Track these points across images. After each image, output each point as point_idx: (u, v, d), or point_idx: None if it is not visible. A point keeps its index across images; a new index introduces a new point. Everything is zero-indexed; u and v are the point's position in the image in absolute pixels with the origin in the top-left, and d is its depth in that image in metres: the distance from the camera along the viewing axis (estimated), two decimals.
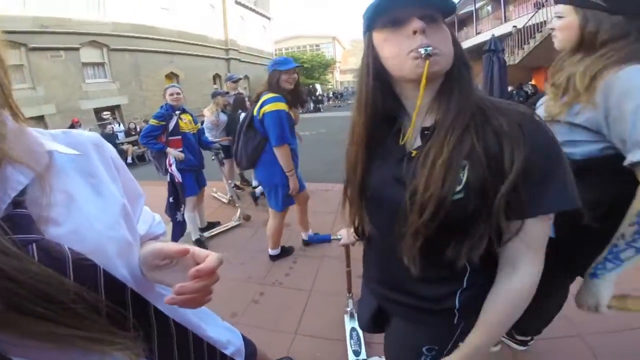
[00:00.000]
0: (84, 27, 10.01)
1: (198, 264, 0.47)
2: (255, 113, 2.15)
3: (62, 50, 9.56)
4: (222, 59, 17.77)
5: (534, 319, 1.33)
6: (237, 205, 3.53)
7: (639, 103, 0.76)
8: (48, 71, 9.29)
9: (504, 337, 1.56)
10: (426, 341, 0.76)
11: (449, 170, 0.55)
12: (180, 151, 2.73)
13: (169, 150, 2.70)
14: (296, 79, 2.19)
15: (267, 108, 2.07)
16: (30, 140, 0.40)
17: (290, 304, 2.08)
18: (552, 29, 1.03)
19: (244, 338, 0.81)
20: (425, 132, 0.61)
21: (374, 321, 0.92)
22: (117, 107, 11.42)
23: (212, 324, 0.69)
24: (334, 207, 3.38)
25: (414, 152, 0.62)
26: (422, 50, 0.53)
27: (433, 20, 0.56)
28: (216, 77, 16.81)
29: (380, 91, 0.63)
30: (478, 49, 7.76)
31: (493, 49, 6.26)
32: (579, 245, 0.97)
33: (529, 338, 1.53)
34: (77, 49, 9.96)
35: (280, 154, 2.12)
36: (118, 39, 11.15)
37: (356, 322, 1.74)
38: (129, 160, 8.24)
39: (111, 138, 8.23)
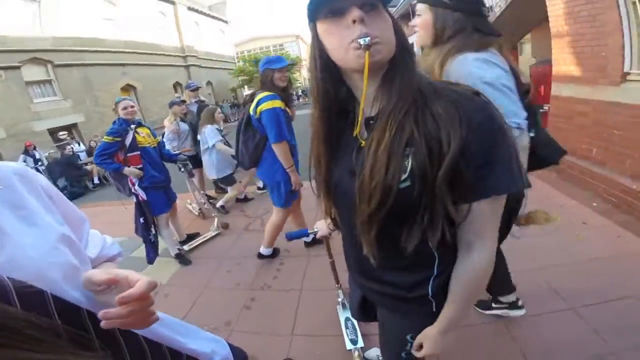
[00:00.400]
0: (22, 43, 9.26)
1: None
2: (251, 112, 2.13)
3: (1, 69, 8.81)
4: (181, 66, 17.14)
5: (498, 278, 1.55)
6: (213, 215, 3.45)
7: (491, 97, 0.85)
8: None
9: (497, 311, 1.67)
10: (408, 329, 0.78)
11: (391, 158, 0.55)
12: (141, 168, 2.53)
13: (126, 170, 2.48)
14: (288, 77, 2.21)
15: (264, 106, 2.05)
16: None
17: (282, 305, 2.07)
18: (414, 26, 1.21)
19: (232, 347, 0.81)
20: (370, 121, 0.61)
21: (363, 309, 0.95)
22: (74, 125, 10.71)
23: (193, 337, 0.69)
24: (311, 204, 3.34)
25: (363, 143, 0.62)
26: (362, 41, 0.52)
27: (373, 8, 0.55)
28: (177, 85, 16.16)
29: (331, 83, 0.62)
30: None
31: None
32: None
33: (514, 297, 1.64)
34: (18, 67, 9.21)
35: (279, 150, 2.11)
36: (62, 54, 10.42)
37: (349, 312, 1.75)
38: (96, 180, 7.72)
39: (73, 159, 7.68)
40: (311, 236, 1.33)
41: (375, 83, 0.59)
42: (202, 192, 3.79)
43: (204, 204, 3.71)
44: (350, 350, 1.59)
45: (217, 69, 20.86)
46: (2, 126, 8.65)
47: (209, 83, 19.55)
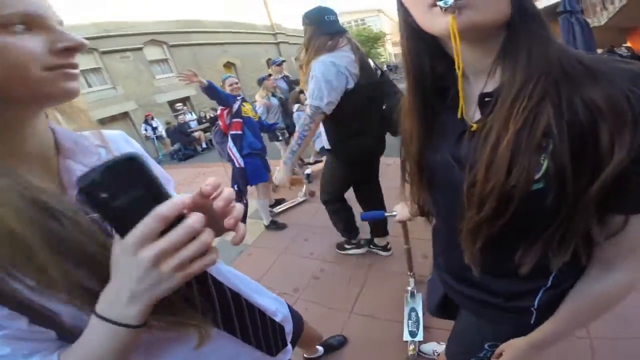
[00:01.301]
0: (142, 27, 10.89)
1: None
2: None
3: (129, 51, 10.55)
4: (272, 43, 17.99)
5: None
6: (303, 181, 3.65)
7: (312, 86, 1.54)
8: (122, 71, 10.38)
9: (372, 248, 2.31)
10: (490, 337, 0.70)
11: (517, 154, 0.43)
12: (241, 135, 2.76)
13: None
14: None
15: None
16: (84, 140, 0.46)
17: (349, 281, 2.11)
18: None
19: (291, 309, 0.85)
20: (486, 99, 0.48)
21: (443, 307, 0.87)
22: (187, 98, 12.42)
23: (261, 294, 0.73)
24: (394, 183, 3.23)
25: (474, 126, 0.49)
26: (441, 3, 0.40)
27: None
28: (269, 62, 17.12)
29: (426, 53, 0.51)
30: (550, 12, 6.71)
31: (569, 9, 5.29)
32: None
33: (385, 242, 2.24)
34: (140, 49, 10.91)
35: None
36: (173, 36, 11.93)
37: (417, 303, 1.69)
38: (203, 145, 9.08)
39: (183, 127, 9.12)
40: (388, 218, 1.28)
41: (489, 54, 0.47)
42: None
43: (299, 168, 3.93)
44: (407, 341, 1.53)
45: None
46: (133, 99, 10.53)
47: (297, 59, 20.14)
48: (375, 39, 23.07)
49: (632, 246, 0.48)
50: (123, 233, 0.33)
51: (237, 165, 2.75)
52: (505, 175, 0.44)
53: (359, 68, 1.61)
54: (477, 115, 0.51)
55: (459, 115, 0.51)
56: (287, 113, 3.94)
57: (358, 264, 2.25)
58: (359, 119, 1.71)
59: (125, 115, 10.24)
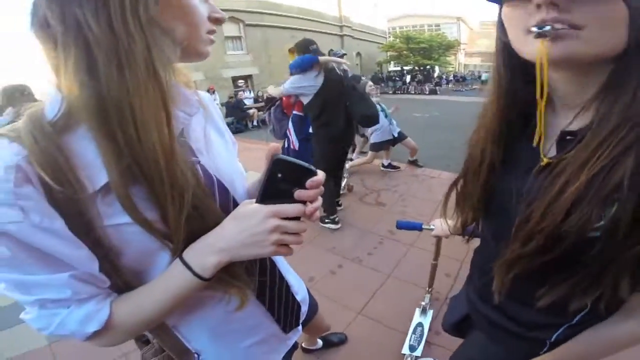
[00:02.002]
0: (225, 3, 11.48)
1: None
2: None
3: None
4: (337, 35, 18.03)
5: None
6: (345, 176, 3.64)
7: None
8: None
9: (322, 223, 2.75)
10: None
11: (581, 201, 0.40)
12: (304, 117, 2.68)
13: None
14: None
15: None
16: (187, 92, 0.50)
17: (364, 283, 2.09)
18: None
19: (309, 292, 0.85)
20: (568, 137, 0.46)
21: (459, 326, 0.86)
22: (250, 76, 13.00)
23: (288, 270, 0.74)
24: (435, 196, 3.17)
25: (545, 161, 0.47)
26: (535, 29, 0.38)
27: None
28: (330, 53, 17.21)
29: (519, 75, 0.49)
30: None
31: None
32: None
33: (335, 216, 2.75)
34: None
35: None
36: (251, 15, 12.47)
37: (426, 319, 1.65)
38: (255, 123, 9.63)
39: (240, 103, 9.71)
40: (424, 231, 1.27)
41: (587, 90, 0.43)
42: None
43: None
44: (404, 354, 1.52)
45: (368, 42, 21.02)
46: (202, 70, 11.23)
47: (358, 54, 19.98)
48: (448, 47, 21.89)
49: None
50: (263, 200, 0.43)
51: (292, 147, 2.73)
52: (562, 218, 0.42)
53: (321, 80, 2.39)
54: (553, 152, 0.48)
55: (534, 144, 0.49)
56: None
57: (377, 268, 2.21)
58: (325, 114, 2.47)
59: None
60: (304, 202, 0.44)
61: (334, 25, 17.79)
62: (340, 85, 2.49)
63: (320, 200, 0.46)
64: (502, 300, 0.57)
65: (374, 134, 3.80)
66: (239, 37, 12.61)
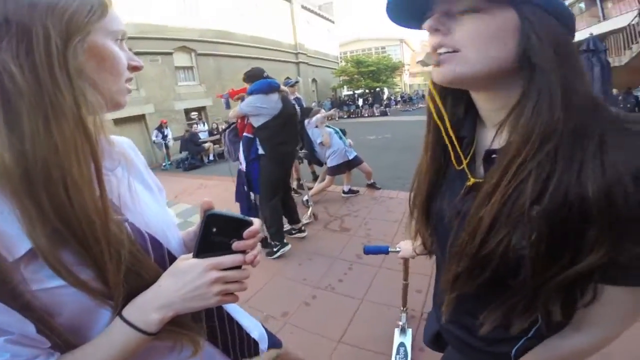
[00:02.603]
0: (176, 33, 11.36)
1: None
2: None
3: (159, 54, 10.93)
4: (292, 62, 18.53)
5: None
6: (309, 204, 3.66)
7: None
8: (148, 74, 10.68)
9: (293, 233, 3.06)
10: None
11: (497, 221, 0.42)
12: (253, 137, 2.73)
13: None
14: None
15: None
16: (106, 144, 0.46)
17: (340, 310, 2.08)
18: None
19: (268, 331, 0.83)
20: (493, 155, 0.47)
21: (436, 341, 0.87)
22: (203, 108, 12.70)
23: (238, 312, 0.72)
24: (395, 216, 3.28)
25: (471, 182, 0.49)
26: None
27: (475, 10, 0.41)
28: (285, 81, 17.59)
29: (449, 98, 0.54)
30: None
31: (592, 49, 5.45)
32: None
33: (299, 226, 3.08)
34: (170, 54, 11.33)
35: None
36: (204, 45, 12.40)
37: (407, 338, 1.67)
38: (211, 157, 9.17)
39: (194, 137, 9.24)
40: (391, 254, 1.30)
41: (506, 104, 0.44)
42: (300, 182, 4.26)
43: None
44: None
45: (322, 68, 21.83)
46: (153, 102, 10.82)
47: (314, 80, 20.68)
48: (393, 68, 23.57)
49: (603, 315, 0.47)
50: (199, 255, 0.44)
51: (242, 169, 2.84)
52: (482, 239, 0.43)
53: (281, 104, 2.61)
54: (481, 171, 0.50)
55: (456, 167, 0.52)
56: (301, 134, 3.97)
57: (350, 294, 2.21)
58: (283, 134, 2.67)
59: (141, 117, 10.49)
60: (243, 252, 0.45)
61: (289, 52, 18.32)
62: (294, 111, 2.88)
63: (259, 247, 0.48)
64: (458, 316, 0.60)
65: (330, 158, 3.87)
66: (191, 67, 12.42)
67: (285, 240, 2.84)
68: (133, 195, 0.49)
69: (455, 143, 0.52)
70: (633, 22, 8.72)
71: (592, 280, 0.42)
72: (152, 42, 10.62)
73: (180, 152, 9.08)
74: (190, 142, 8.97)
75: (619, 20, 10.58)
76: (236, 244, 0.45)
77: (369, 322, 1.94)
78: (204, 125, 10.99)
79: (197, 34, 12.17)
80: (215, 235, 0.44)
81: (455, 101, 0.53)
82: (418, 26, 0.47)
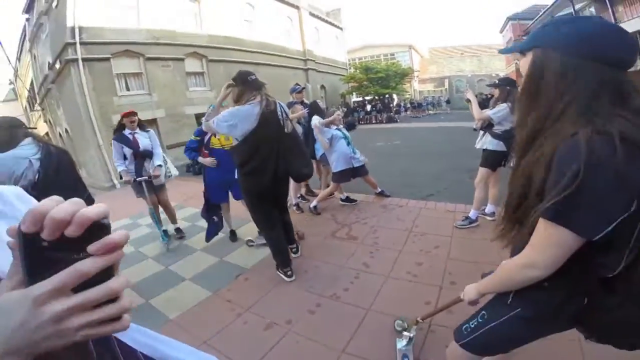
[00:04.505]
0: (186, 39, 11.60)
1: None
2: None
3: (171, 60, 11.20)
4: (301, 69, 18.69)
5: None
6: (317, 211, 3.73)
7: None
8: (160, 79, 10.98)
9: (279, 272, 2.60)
10: (485, 307, 0.98)
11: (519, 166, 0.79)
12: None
13: (200, 159, 3.21)
14: None
15: None
16: None
17: (344, 319, 2.03)
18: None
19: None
20: None
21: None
22: None
23: (176, 347, 0.58)
24: (405, 225, 3.25)
25: None
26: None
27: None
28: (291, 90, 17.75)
29: None
30: None
31: None
32: None
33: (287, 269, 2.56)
34: (182, 60, 11.58)
35: None
36: (214, 51, 12.64)
37: (410, 350, 1.64)
38: None
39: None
40: None
41: None
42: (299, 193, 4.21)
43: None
44: None
45: (331, 74, 21.93)
46: (164, 107, 11.04)
47: (322, 87, 20.78)
48: (403, 74, 23.53)
49: (533, 237, 0.73)
50: (34, 282, 0.29)
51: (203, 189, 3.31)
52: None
53: (259, 115, 2.24)
54: None
55: None
56: (307, 141, 3.91)
57: (356, 303, 2.15)
58: (256, 159, 2.30)
59: (153, 122, 10.73)
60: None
61: (298, 59, 18.50)
62: (275, 128, 2.32)
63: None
64: None
65: (335, 164, 3.74)
66: (202, 73, 12.65)
67: (289, 272, 2.55)
68: None
69: None
70: None
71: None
72: (164, 47, 10.88)
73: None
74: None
75: (630, 24, 10.39)
76: (92, 246, 0.29)
77: (374, 333, 1.88)
78: None
79: (208, 40, 12.40)
80: (49, 250, 0.29)
81: None
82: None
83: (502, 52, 1.07)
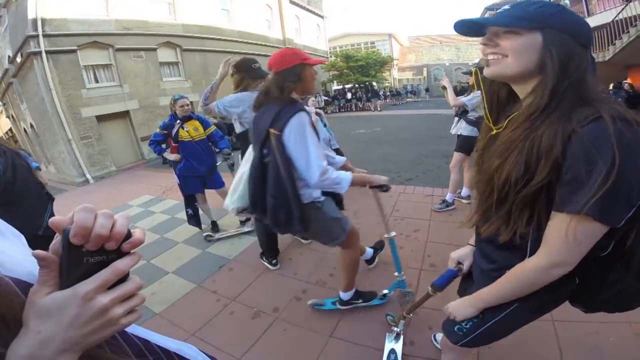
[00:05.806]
0: (159, 28, 11.08)
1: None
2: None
3: (143, 50, 10.66)
4: None
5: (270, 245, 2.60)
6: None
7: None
8: (132, 70, 10.46)
9: (263, 260, 2.64)
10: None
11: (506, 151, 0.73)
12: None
13: (166, 154, 3.15)
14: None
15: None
16: None
17: None
18: None
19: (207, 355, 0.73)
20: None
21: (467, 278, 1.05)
22: (190, 103, 12.48)
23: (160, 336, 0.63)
24: (385, 209, 3.25)
25: (494, 131, 0.85)
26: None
27: (511, 31, 0.67)
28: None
29: (496, 84, 0.82)
30: None
31: None
32: None
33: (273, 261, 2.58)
34: (154, 50, 11.06)
35: None
36: (189, 40, 12.14)
37: (399, 345, 1.66)
38: None
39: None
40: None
41: (525, 94, 0.71)
42: None
43: None
44: None
45: None
46: (137, 99, 10.57)
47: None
48: (382, 63, 23.60)
49: (546, 234, 0.68)
50: (71, 283, 0.35)
51: (176, 181, 3.36)
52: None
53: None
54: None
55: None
56: None
57: None
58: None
59: (125, 114, 10.28)
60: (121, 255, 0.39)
61: (278, 47, 18.10)
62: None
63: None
64: (484, 246, 0.87)
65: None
66: (176, 63, 12.17)
67: (274, 261, 2.59)
68: None
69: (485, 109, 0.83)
70: (616, 19, 8.94)
71: (539, 207, 0.68)
72: (136, 38, 10.36)
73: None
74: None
75: (602, 17, 10.80)
76: (120, 262, 0.38)
77: (359, 317, 1.94)
78: None
79: (182, 29, 11.92)
80: (86, 254, 0.36)
81: (501, 85, 0.79)
82: (475, 35, 0.74)
83: (502, 24, 0.69)
